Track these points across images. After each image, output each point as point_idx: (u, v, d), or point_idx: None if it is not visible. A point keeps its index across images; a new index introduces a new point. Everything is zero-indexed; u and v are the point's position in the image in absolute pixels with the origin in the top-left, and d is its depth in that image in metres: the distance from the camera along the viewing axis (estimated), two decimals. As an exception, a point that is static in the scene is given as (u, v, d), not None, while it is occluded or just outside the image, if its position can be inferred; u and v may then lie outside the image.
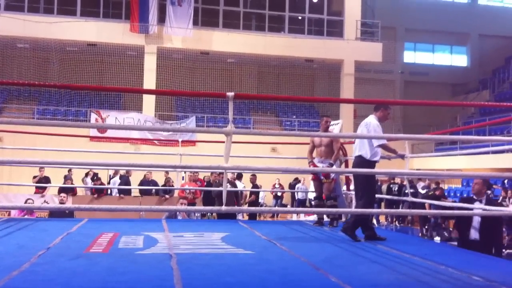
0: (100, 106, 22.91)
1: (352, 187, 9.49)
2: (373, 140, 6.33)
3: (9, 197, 14.72)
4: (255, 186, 13.19)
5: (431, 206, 11.98)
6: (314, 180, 8.26)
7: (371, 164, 6.40)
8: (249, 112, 25.13)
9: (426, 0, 30.67)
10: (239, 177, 12.10)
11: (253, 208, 11.30)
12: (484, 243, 6.03)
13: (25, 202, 13.78)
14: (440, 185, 17.61)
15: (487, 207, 5.84)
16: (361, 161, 6.39)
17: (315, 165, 7.85)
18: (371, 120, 6.59)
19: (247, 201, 12.72)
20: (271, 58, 24.27)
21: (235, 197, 10.86)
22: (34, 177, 14.76)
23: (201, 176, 15.04)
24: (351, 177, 9.46)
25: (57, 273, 4.16)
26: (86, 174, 17.03)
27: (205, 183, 13.81)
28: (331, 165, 7.79)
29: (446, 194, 17.82)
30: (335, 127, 9.20)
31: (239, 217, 10.96)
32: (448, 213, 6.01)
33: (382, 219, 18.96)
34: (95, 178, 16.43)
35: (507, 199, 14.60)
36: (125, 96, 23.87)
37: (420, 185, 17.62)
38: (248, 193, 12.62)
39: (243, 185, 12.53)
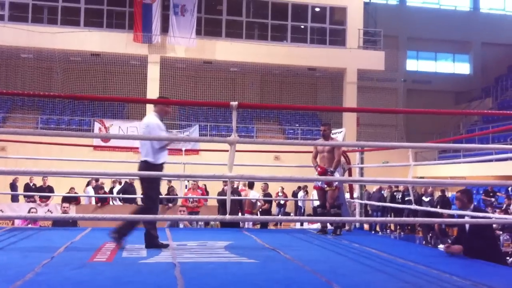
0: (104, 115, 22.99)
1: (355, 195, 9.50)
2: (154, 142, 6.08)
3: (12, 206, 14.75)
4: (267, 195, 13.17)
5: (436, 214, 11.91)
6: (317, 189, 8.26)
7: (156, 168, 6.06)
8: (252, 121, 25.17)
9: (428, 9, 30.76)
10: (251, 185, 12.09)
11: (256, 217, 11.27)
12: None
13: (29, 212, 13.79)
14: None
15: (480, 214, 5.76)
16: (146, 167, 6.05)
17: (322, 168, 7.85)
18: (151, 120, 6.24)
19: (258, 209, 12.65)
20: (274, 67, 24.35)
21: (239, 206, 10.85)
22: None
23: (201, 185, 15.03)
24: (355, 185, 9.47)
25: (61, 282, 4.17)
26: (88, 183, 17.07)
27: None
28: (332, 172, 7.81)
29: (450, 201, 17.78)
30: (338, 136, 9.19)
31: (249, 225, 10.96)
32: (451, 221, 5.99)
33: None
34: (99, 187, 16.43)
35: (511, 207, 14.54)
36: (129, 105, 23.96)
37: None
38: (261, 202, 12.59)
39: (258, 195, 12.48)
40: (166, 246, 6.15)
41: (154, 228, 6.19)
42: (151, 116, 6.30)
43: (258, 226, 11.90)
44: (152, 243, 6.09)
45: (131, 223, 5.97)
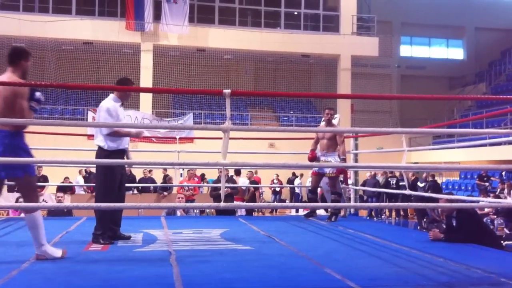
0: (97, 104, 22.65)
1: (350, 181, 9.53)
2: (102, 128, 5.63)
3: (7, 196, 14.69)
4: (252, 182, 13.15)
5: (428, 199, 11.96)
6: (314, 175, 8.27)
7: (111, 154, 5.54)
8: (246, 108, 25.13)
9: (421, -6, 30.66)
10: (238, 173, 12.07)
11: (251, 204, 11.29)
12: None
13: (16, 201, 13.71)
14: (436, 178, 17.67)
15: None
16: (99, 152, 5.62)
17: (313, 152, 7.87)
18: (104, 103, 5.75)
19: (248, 197, 12.66)
20: (268, 54, 24.27)
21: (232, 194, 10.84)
22: None
23: (199, 172, 15.04)
24: (349, 172, 9.50)
25: (56, 272, 4.16)
26: (80, 172, 17.16)
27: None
28: (344, 160, 7.79)
29: (444, 186, 17.87)
30: (333, 122, 9.20)
31: (243, 213, 10.95)
32: (446, 206, 6.02)
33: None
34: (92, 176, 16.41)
35: (504, 191, 14.62)
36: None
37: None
38: (252, 188, 12.60)
39: (247, 181, 12.47)
40: (111, 243, 5.54)
41: (100, 222, 5.60)
42: (109, 98, 5.81)
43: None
44: (95, 237, 5.60)
45: (99, 219, 5.58)
